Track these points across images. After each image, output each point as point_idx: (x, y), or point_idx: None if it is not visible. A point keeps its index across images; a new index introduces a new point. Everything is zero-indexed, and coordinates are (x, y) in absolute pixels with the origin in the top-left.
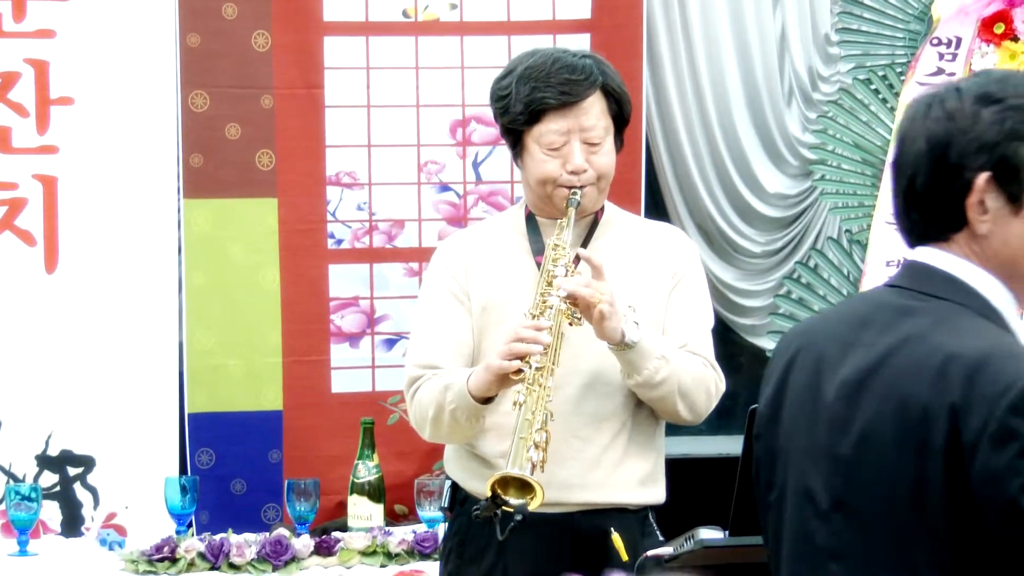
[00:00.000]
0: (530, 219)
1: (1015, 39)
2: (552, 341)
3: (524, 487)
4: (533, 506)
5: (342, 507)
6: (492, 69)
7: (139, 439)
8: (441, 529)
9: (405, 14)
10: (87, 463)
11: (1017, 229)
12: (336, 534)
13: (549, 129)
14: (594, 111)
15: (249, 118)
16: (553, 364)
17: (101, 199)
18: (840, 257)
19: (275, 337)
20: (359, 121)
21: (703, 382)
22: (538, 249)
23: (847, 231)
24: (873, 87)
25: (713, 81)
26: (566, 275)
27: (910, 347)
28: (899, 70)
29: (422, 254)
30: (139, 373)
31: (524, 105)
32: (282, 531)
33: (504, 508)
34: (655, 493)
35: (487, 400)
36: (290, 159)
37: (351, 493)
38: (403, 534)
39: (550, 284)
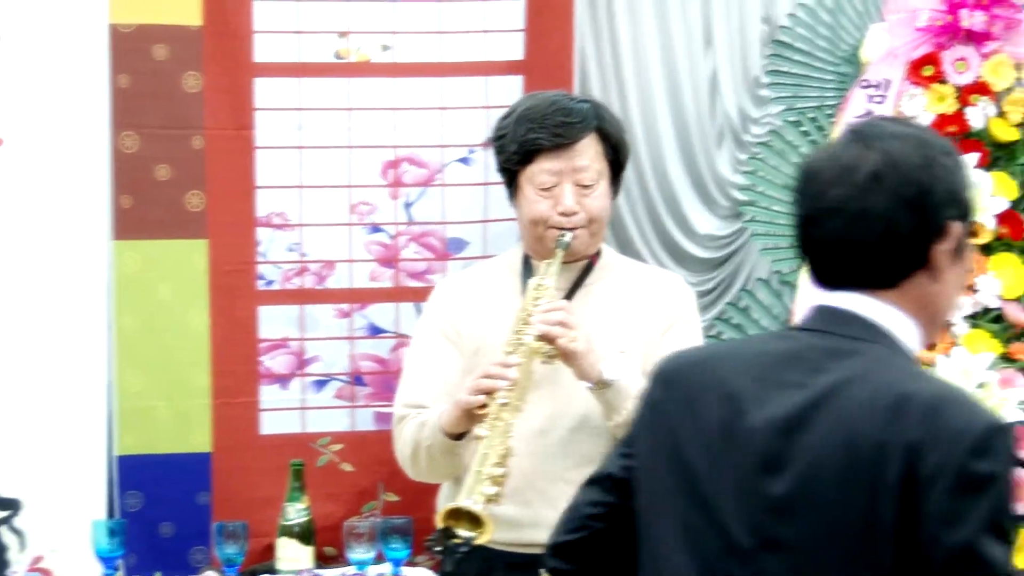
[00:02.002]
0: (525, 260)
1: (943, 82)
2: (520, 379)
3: (477, 520)
4: (481, 540)
5: (271, 550)
6: (424, 110)
7: (66, 481)
8: (372, 571)
9: (337, 55)
10: (14, 506)
11: (955, 279)
12: None
13: (541, 169)
14: (588, 154)
15: (179, 159)
16: (519, 401)
17: (30, 240)
18: (770, 298)
19: (204, 378)
20: (290, 162)
21: None
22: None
23: (777, 272)
24: (803, 129)
25: (644, 122)
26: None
27: (855, 385)
28: (829, 112)
29: (353, 295)
30: (67, 415)
31: (519, 145)
32: (210, 574)
33: (454, 540)
34: None
35: (460, 436)
36: (220, 200)
37: (280, 535)
38: None
39: (526, 323)
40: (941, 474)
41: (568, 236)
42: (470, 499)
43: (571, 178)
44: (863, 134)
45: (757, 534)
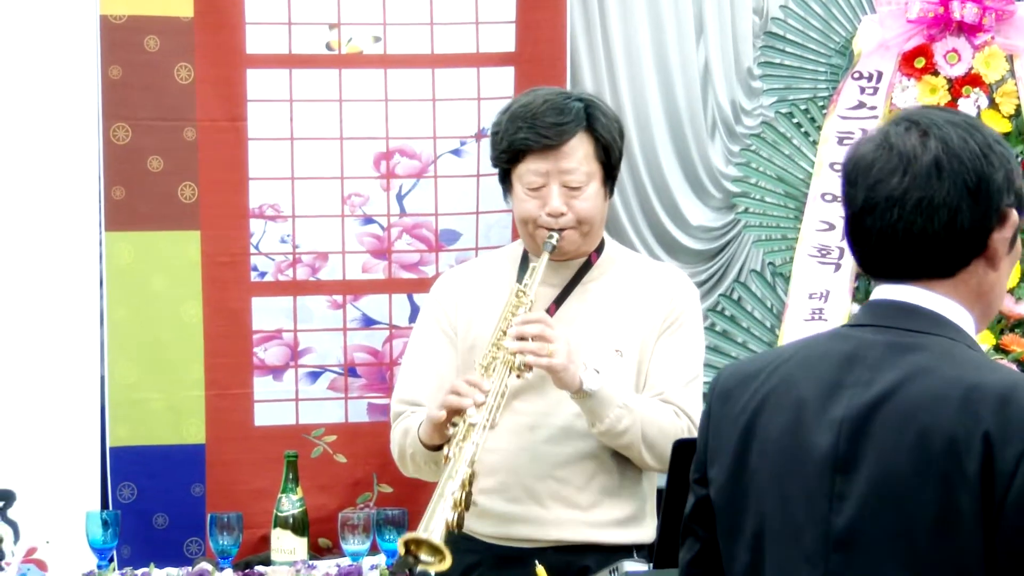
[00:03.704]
0: (524, 256)
1: (935, 73)
2: (490, 398)
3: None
4: (438, 569)
5: (265, 541)
6: (415, 102)
7: (60, 473)
8: (366, 562)
9: (328, 47)
10: (8, 497)
11: (1008, 266)
12: (259, 568)
13: (529, 170)
14: (576, 156)
15: (172, 150)
16: (488, 421)
17: (22, 231)
18: (763, 290)
19: (197, 370)
20: (282, 154)
21: (671, 432)
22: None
23: (770, 264)
24: (795, 120)
25: (637, 114)
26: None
27: (920, 380)
28: (821, 103)
29: (345, 287)
30: (60, 406)
31: (508, 144)
32: (204, 565)
33: (417, 567)
34: (638, 533)
35: (439, 447)
36: (213, 192)
37: (274, 527)
38: (327, 568)
39: (504, 332)
40: (1020, 466)
41: (554, 238)
42: (429, 529)
43: (558, 179)
44: (918, 123)
45: (829, 536)
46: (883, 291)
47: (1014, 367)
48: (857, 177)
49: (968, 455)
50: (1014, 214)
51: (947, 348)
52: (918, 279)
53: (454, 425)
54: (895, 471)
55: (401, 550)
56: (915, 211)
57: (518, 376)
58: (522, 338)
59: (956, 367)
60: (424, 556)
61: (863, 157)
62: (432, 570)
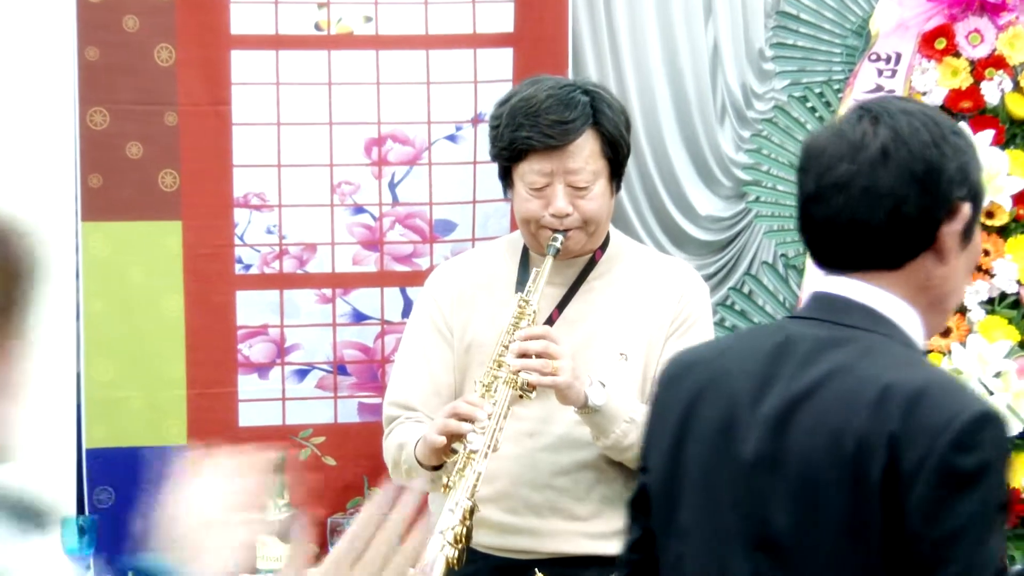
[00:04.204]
0: (525, 252)
1: (957, 55)
2: (492, 422)
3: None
4: None
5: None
6: (409, 85)
7: (34, 476)
8: None
9: (317, 27)
10: None
11: (962, 263)
12: None
13: (532, 169)
14: (582, 154)
15: (152, 136)
16: (489, 447)
17: None
18: (775, 283)
19: (179, 368)
20: (268, 139)
21: None
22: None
23: (783, 255)
24: (809, 105)
25: (642, 98)
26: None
27: (840, 378)
28: (836, 87)
29: (335, 280)
30: (34, 406)
31: (508, 142)
32: None
33: None
34: None
35: (437, 467)
36: (195, 179)
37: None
38: None
39: (507, 347)
40: (922, 469)
41: (559, 241)
42: (425, 570)
43: (563, 179)
44: (871, 111)
45: (753, 534)
46: (826, 284)
47: None
48: (809, 165)
49: (874, 458)
50: (966, 207)
51: (874, 345)
52: (863, 270)
53: (454, 452)
54: (812, 471)
55: None
56: (860, 199)
57: (520, 396)
58: (525, 355)
59: (877, 365)
60: None
61: (817, 145)
62: None
